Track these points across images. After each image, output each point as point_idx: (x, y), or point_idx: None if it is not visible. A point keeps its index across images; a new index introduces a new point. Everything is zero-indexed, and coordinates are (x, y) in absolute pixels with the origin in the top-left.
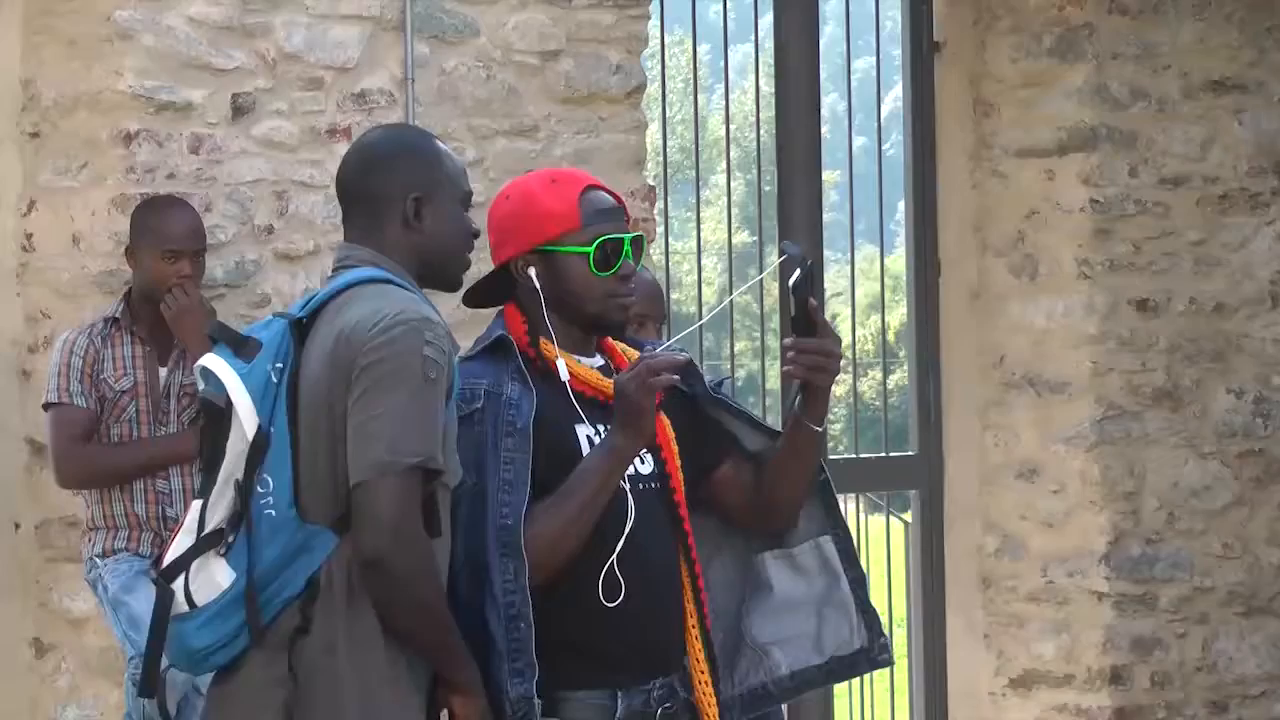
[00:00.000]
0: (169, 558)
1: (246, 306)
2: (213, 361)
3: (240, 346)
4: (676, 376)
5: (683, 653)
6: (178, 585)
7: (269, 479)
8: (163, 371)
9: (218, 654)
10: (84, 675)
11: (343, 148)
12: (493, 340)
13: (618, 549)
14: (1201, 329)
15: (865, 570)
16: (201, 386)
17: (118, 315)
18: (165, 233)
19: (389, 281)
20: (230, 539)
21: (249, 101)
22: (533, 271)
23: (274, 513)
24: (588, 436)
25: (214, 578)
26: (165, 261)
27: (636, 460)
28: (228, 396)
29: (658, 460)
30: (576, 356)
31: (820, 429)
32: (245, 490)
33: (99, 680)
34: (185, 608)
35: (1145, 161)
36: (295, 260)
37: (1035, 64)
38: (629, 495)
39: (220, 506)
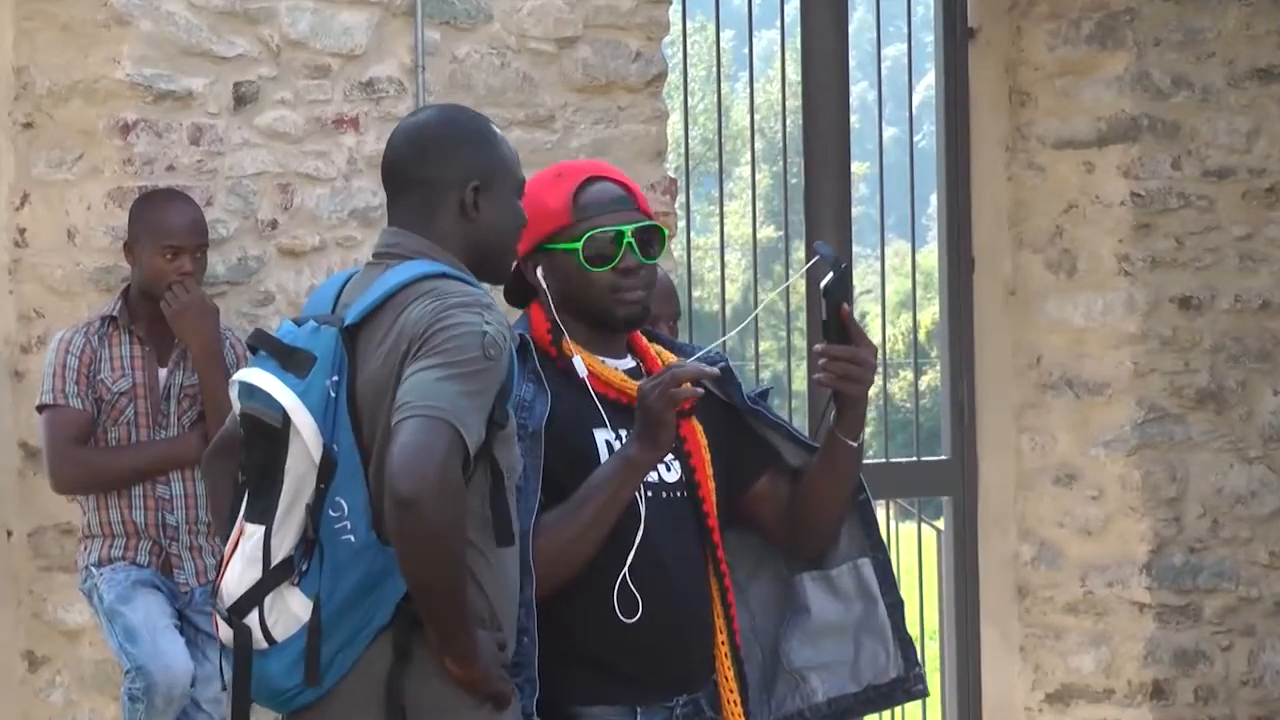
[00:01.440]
0: (232, 590)
1: (249, 304)
2: (259, 377)
3: (287, 358)
4: (701, 389)
5: (711, 670)
6: (252, 620)
7: (342, 502)
8: (162, 372)
9: (307, 691)
10: (79, 690)
11: (349, 139)
12: None
13: (628, 562)
14: (1247, 328)
15: (899, 587)
16: (239, 402)
17: (115, 314)
18: (165, 228)
19: (446, 275)
20: (304, 567)
21: (252, 90)
22: (540, 271)
23: (353, 539)
24: (606, 441)
25: (292, 610)
26: (165, 258)
27: (661, 467)
28: (284, 415)
29: (686, 468)
30: (601, 358)
31: (856, 444)
32: (315, 514)
33: (95, 695)
34: (264, 644)
35: (1188, 153)
36: (300, 256)
37: (1073, 51)
38: (642, 504)
39: (288, 533)
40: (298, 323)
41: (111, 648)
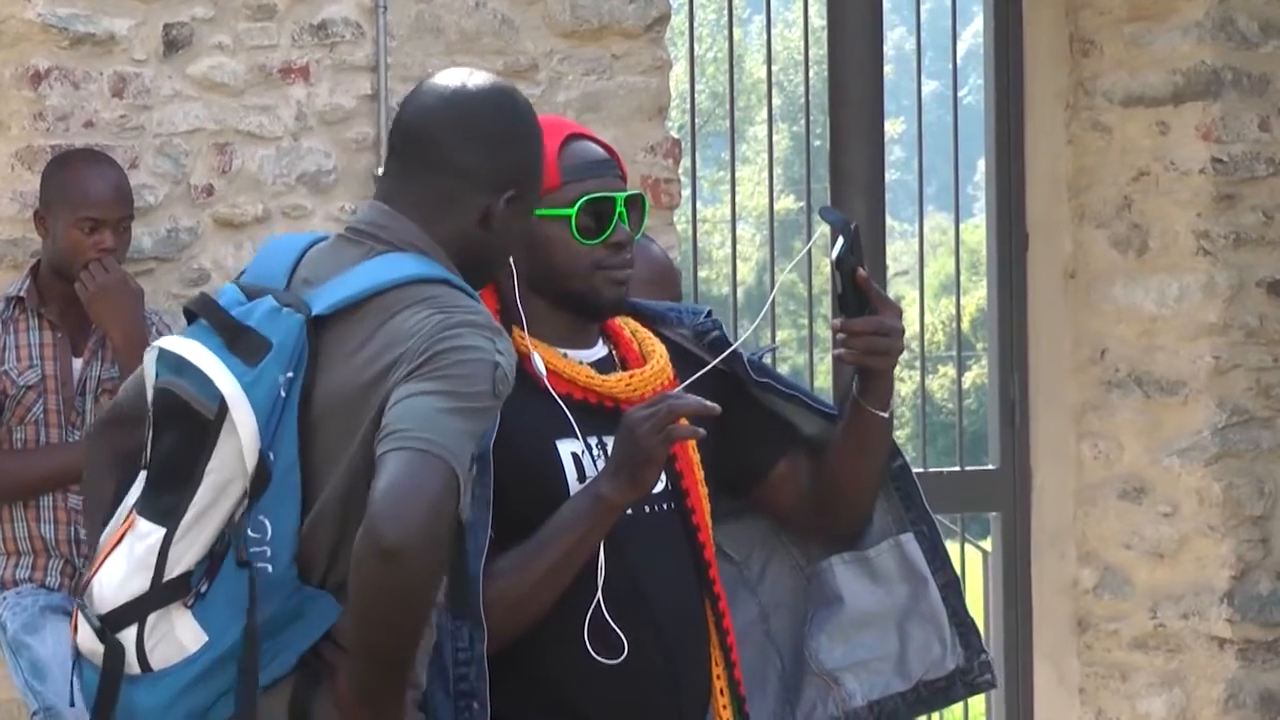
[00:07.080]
0: (107, 595)
1: (179, 284)
2: (197, 352)
3: (235, 337)
4: (703, 431)
5: (705, 711)
6: (127, 637)
7: (265, 522)
8: (77, 363)
9: None
10: None
11: (298, 91)
12: None
13: (597, 598)
14: None
15: (953, 563)
16: (157, 373)
17: (22, 294)
18: (84, 196)
19: (448, 283)
20: (203, 589)
21: (185, 34)
22: None
23: (270, 567)
24: (573, 454)
25: (178, 637)
26: (83, 231)
27: None
28: (221, 404)
29: (672, 474)
30: (563, 350)
31: (886, 414)
32: (233, 532)
33: None
34: (136, 669)
35: (1279, 112)
36: (240, 228)
37: None
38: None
39: (193, 545)
40: (246, 291)
41: (16, 685)
